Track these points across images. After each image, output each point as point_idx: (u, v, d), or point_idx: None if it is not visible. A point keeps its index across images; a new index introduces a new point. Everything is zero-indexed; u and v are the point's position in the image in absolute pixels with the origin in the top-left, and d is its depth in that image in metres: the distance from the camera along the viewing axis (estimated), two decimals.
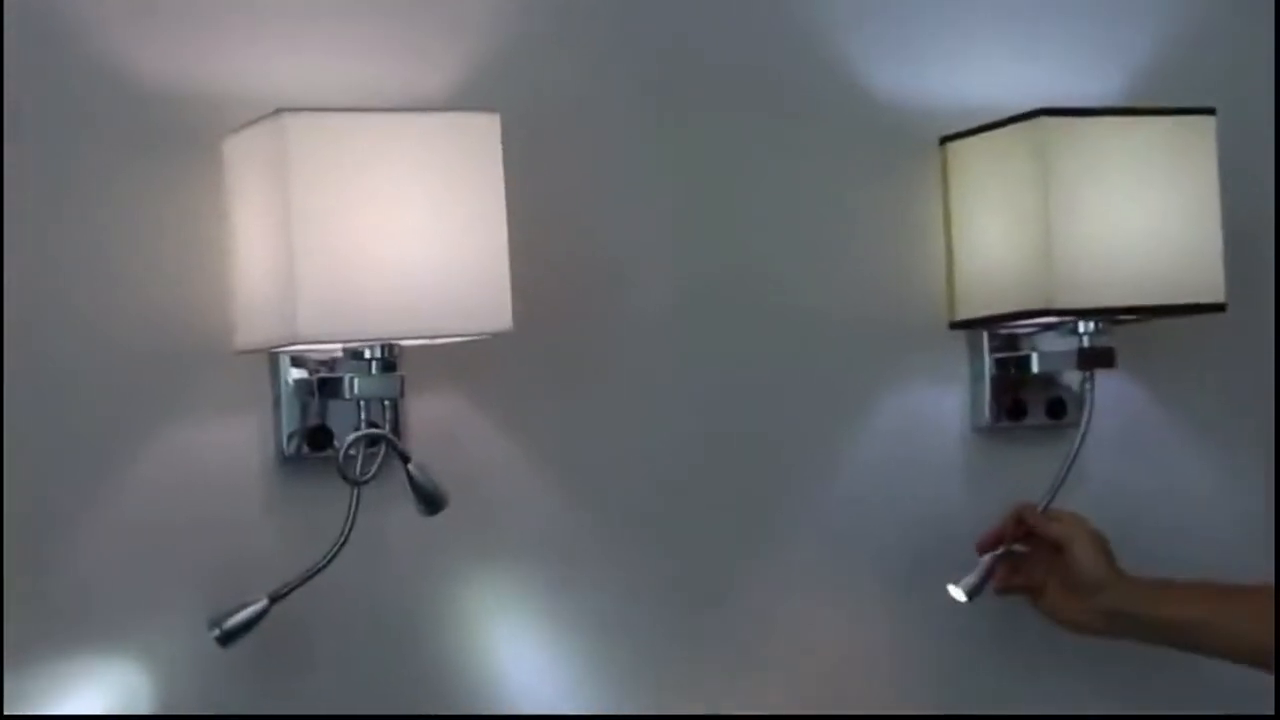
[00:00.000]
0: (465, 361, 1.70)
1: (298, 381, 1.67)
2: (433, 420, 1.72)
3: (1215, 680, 1.83)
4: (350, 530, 1.61)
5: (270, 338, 1.56)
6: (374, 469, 1.62)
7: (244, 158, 1.58)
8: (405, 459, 1.63)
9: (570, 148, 1.78)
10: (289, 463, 1.67)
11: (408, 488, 1.63)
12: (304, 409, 1.68)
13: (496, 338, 1.59)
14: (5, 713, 1.52)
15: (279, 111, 1.51)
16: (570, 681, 1.78)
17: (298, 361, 1.67)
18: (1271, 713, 1.83)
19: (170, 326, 1.63)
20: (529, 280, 1.62)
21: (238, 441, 1.66)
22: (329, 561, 1.61)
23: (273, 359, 1.67)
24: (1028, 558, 1.82)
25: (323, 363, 1.67)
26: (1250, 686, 1.78)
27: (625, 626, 1.80)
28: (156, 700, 1.62)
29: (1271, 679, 1.70)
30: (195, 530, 1.64)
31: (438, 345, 1.64)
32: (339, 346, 1.60)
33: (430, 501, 1.64)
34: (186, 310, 1.64)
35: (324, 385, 1.65)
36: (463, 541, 1.73)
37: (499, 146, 1.57)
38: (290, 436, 1.67)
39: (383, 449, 1.62)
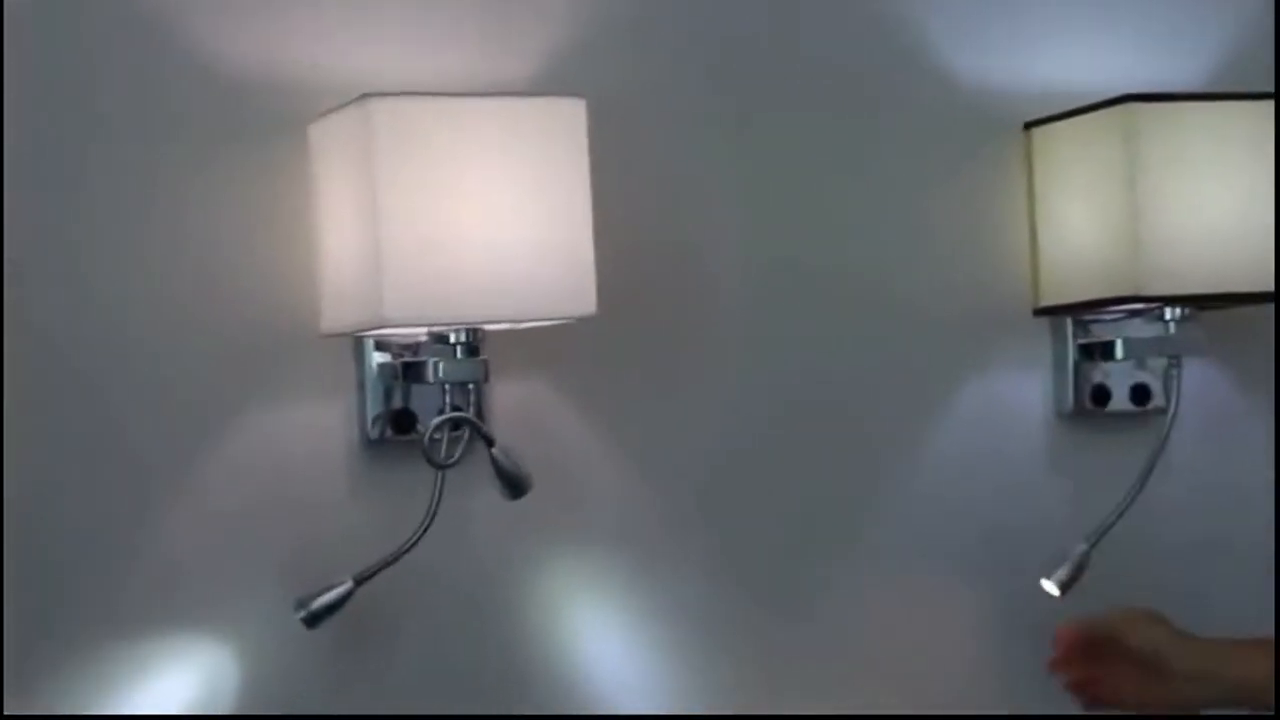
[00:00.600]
0: (547, 345, 1.70)
1: (382, 365, 1.68)
2: (515, 404, 1.72)
3: None
4: (435, 513, 1.62)
5: (356, 322, 1.57)
6: (458, 453, 1.62)
7: (330, 143, 1.59)
8: (490, 442, 1.63)
9: (652, 133, 1.78)
10: (373, 446, 1.68)
11: (491, 471, 1.64)
12: (388, 393, 1.69)
13: (579, 322, 1.60)
14: (5, 713, 1.53)
15: (365, 96, 1.51)
16: (648, 667, 1.79)
17: (381, 345, 1.68)
18: (1271, 713, 1.82)
19: (257, 311, 1.64)
20: (612, 265, 1.61)
21: (323, 425, 1.67)
22: (414, 544, 1.62)
23: (357, 343, 1.68)
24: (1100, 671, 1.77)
25: (406, 347, 1.68)
26: None
27: (704, 612, 1.80)
28: (243, 680, 1.63)
29: None
30: (281, 513, 1.65)
31: (520, 329, 1.64)
32: (424, 331, 1.61)
33: (514, 485, 1.65)
34: (273, 295, 1.65)
35: (408, 369, 1.66)
36: (544, 525, 1.73)
37: (585, 131, 1.57)
38: (374, 420, 1.68)
39: (467, 433, 1.63)
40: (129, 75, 1.61)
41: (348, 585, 1.61)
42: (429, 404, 1.67)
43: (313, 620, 1.60)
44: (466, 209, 1.53)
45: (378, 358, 1.68)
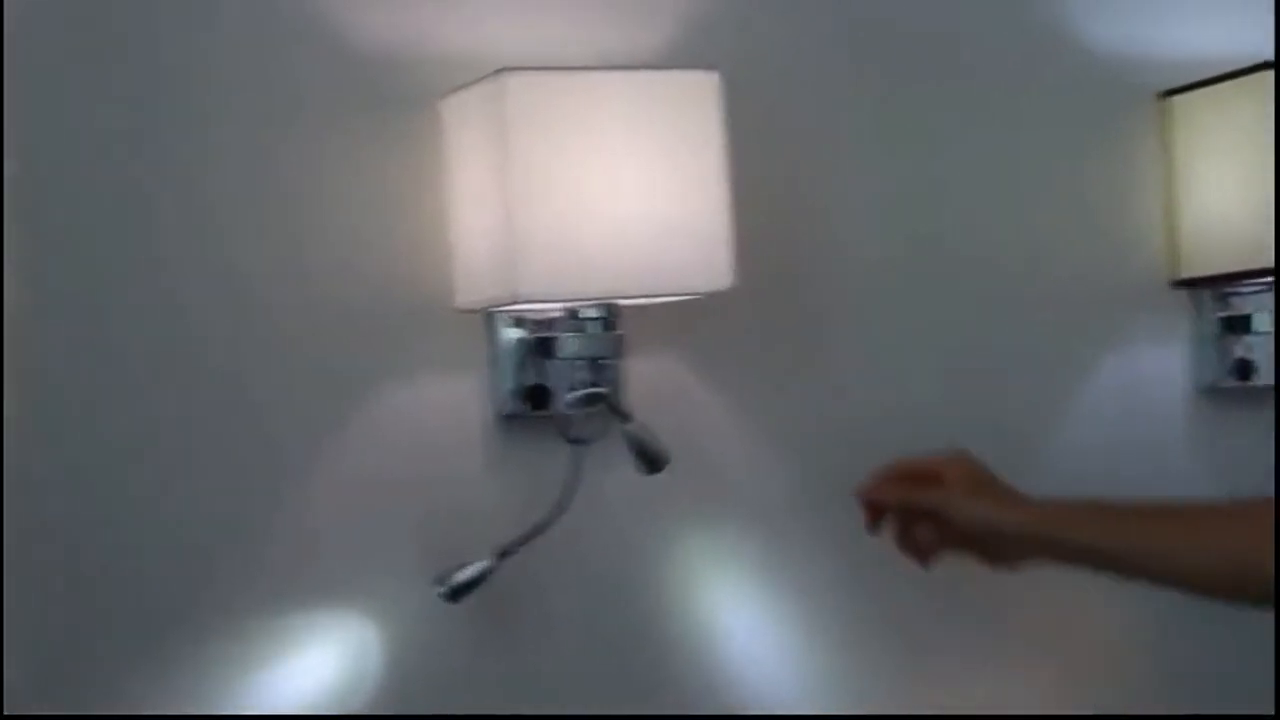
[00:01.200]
0: (681, 320, 1.69)
1: (516, 340, 1.68)
2: (648, 379, 1.72)
3: None
4: (573, 489, 1.61)
5: (491, 297, 1.58)
6: (594, 428, 1.62)
7: (464, 118, 1.59)
8: (625, 418, 1.63)
9: (788, 105, 1.77)
10: (506, 421, 1.69)
11: (627, 447, 1.64)
12: (520, 368, 1.69)
13: (714, 297, 1.59)
14: (5, 713, 1.53)
15: (500, 71, 1.51)
16: (783, 643, 1.78)
17: (516, 321, 1.68)
18: (1272, 713, 1.78)
19: (391, 286, 1.65)
20: (747, 239, 1.60)
21: (457, 400, 1.68)
22: (553, 519, 1.62)
23: (491, 318, 1.68)
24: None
25: (540, 322, 1.68)
26: None
27: (839, 588, 1.79)
28: (383, 654, 1.64)
29: None
30: (416, 488, 1.66)
31: (655, 304, 1.64)
32: (558, 306, 1.61)
33: (650, 461, 1.64)
34: (406, 270, 1.65)
35: (541, 344, 1.66)
36: (680, 501, 1.73)
37: (719, 105, 1.56)
38: (508, 395, 1.69)
39: (603, 408, 1.63)
40: (261, 50, 1.62)
41: (489, 560, 1.61)
42: (562, 379, 1.67)
43: (453, 595, 1.61)
44: (601, 184, 1.53)
45: (511, 333, 1.69)
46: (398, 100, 1.64)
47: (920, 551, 1.60)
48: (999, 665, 1.84)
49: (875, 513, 1.60)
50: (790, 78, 1.78)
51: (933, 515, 1.57)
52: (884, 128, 1.81)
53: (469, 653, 1.67)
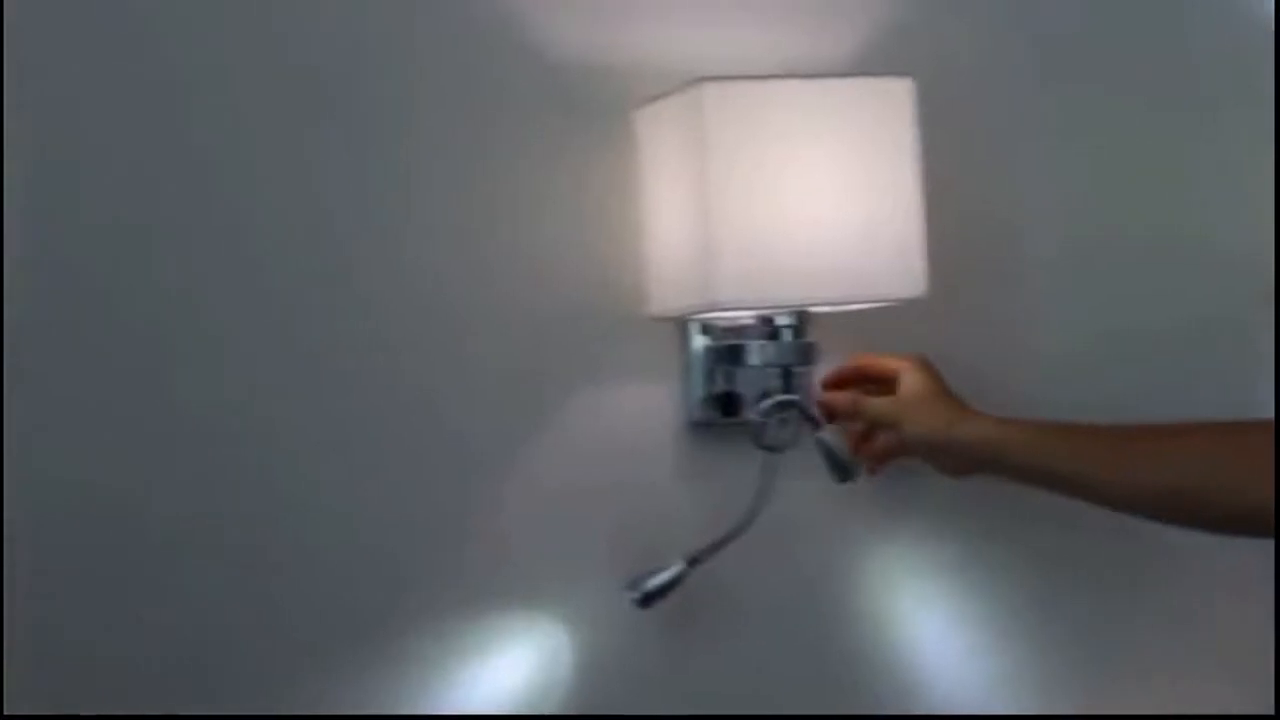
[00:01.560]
0: (871, 326, 1.68)
1: (706, 348, 1.69)
2: None
3: None
4: (765, 495, 1.62)
5: (686, 305, 1.58)
6: (786, 436, 1.62)
7: (660, 127, 1.60)
8: (817, 425, 1.63)
9: (979, 111, 1.76)
10: (697, 428, 1.69)
11: (819, 455, 1.64)
12: (711, 375, 1.70)
13: (906, 303, 1.58)
14: (5, 713, 1.53)
15: (698, 81, 1.52)
16: (971, 647, 1.78)
17: (704, 328, 1.69)
18: (1272, 713, 1.74)
19: (585, 293, 1.66)
20: (939, 246, 1.59)
21: (650, 407, 1.69)
22: (745, 526, 1.62)
23: (682, 326, 1.69)
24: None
25: (728, 329, 1.68)
26: None
27: (1029, 594, 1.78)
28: (576, 658, 1.66)
29: None
30: (609, 493, 1.67)
31: (845, 310, 1.63)
32: (749, 313, 1.61)
33: (842, 469, 1.65)
34: (600, 277, 1.66)
35: (732, 352, 1.66)
36: (870, 508, 1.73)
37: (913, 111, 1.56)
38: (699, 402, 1.69)
39: (794, 415, 1.63)
40: (456, 58, 1.63)
41: (680, 566, 1.62)
42: (751, 386, 1.68)
43: (645, 601, 1.62)
44: (796, 191, 1.53)
45: (701, 340, 1.69)
46: (592, 109, 1.65)
47: (875, 457, 1.67)
48: (1185, 667, 1.81)
49: (830, 414, 1.65)
50: (981, 82, 1.77)
51: (885, 424, 1.62)
52: (1076, 132, 1.79)
53: (659, 658, 1.68)
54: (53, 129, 1.54)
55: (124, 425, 1.55)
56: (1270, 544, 1.67)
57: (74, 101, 1.54)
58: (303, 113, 1.60)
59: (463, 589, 1.64)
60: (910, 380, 1.63)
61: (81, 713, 1.54)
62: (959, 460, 1.62)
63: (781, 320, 1.60)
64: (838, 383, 1.69)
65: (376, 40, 1.62)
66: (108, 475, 1.55)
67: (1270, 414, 1.59)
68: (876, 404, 1.63)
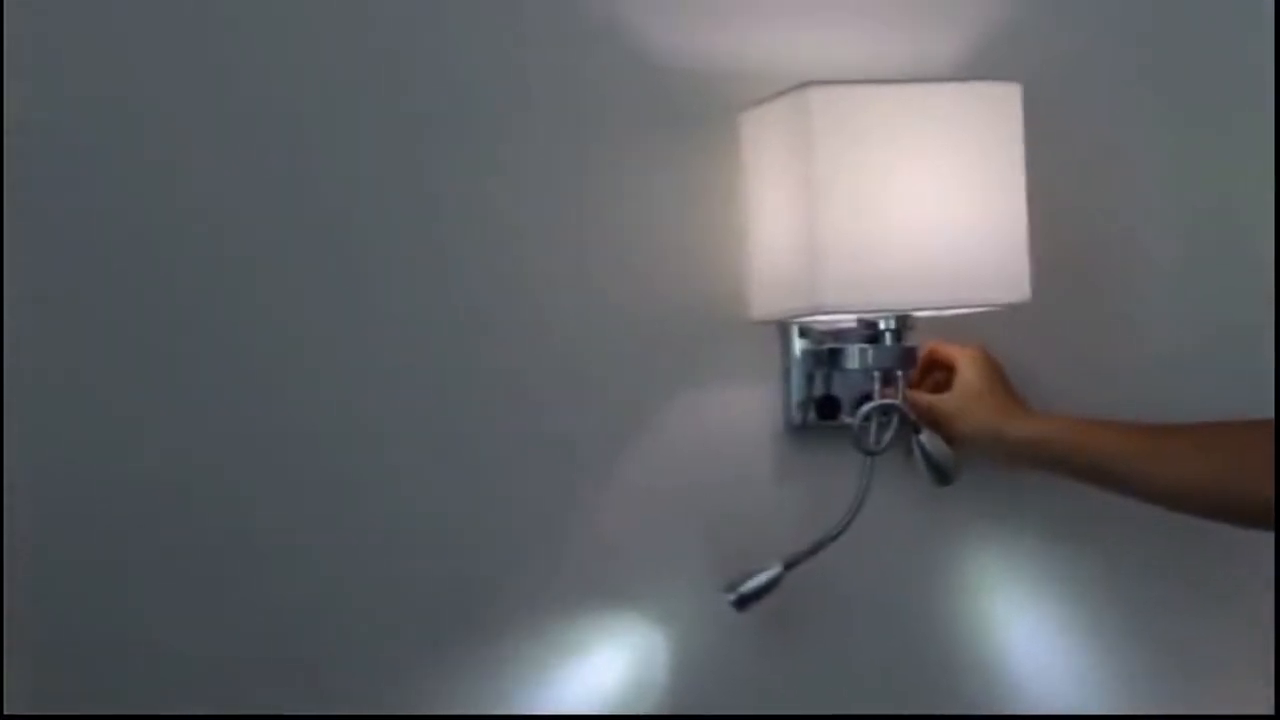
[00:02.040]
0: (972, 330, 1.68)
1: (806, 351, 1.69)
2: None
3: None
4: (864, 499, 1.62)
5: (790, 308, 1.59)
6: (886, 439, 1.63)
7: (764, 131, 1.61)
8: (917, 430, 1.63)
9: (1085, 115, 1.75)
10: (797, 431, 1.70)
11: (918, 459, 1.64)
12: (810, 379, 1.70)
13: (1010, 309, 1.58)
14: (5, 713, 1.54)
15: (804, 85, 1.52)
16: (1065, 651, 1.77)
17: (804, 332, 1.69)
18: (1271, 713, 1.72)
19: (687, 297, 1.67)
20: (1045, 251, 1.59)
21: (749, 410, 1.69)
22: (843, 529, 1.62)
23: (783, 329, 1.69)
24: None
25: (828, 333, 1.68)
26: None
27: (1127, 603, 1.77)
28: (671, 659, 1.67)
29: None
30: (708, 495, 1.68)
31: (946, 314, 1.63)
32: (854, 317, 1.62)
33: (941, 473, 1.64)
34: (702, 281, 1.67)
35: (832, 355, 1.66)
36: (968, 514, 1.73)
37: (1020, 116, 1.55)
38: (799, 405, 1.70)
39: (894, 419, 1.63)
40: (561, 62, 1.65)
41: (778, 569, 1.62)
42: (850, 390, 1.68)
43: (742, 603, 1.62)
44: (902, 196, 1.53)
45: (801, 344, 1.70)
46: (696, 112, 1.66)
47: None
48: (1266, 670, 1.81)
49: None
50: (1088, 86, 1.75)
51: (938, 421, 1.63)
52: (1182, 136, 1.78)
53: (755, 660, 1.69)
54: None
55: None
56: None
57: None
58: (410, 117, 1.62)
59: (562, 588, 1.65)
60: (966, 375, 1.64)
61: (81, 713, 1.56)
62: (1010, 458, 1.63)
63: (882, 324, 1.60)
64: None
65: (484, 45, 1.64)
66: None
67: None
68: (929, 401, 1.64)
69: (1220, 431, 1.51)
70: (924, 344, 1.66)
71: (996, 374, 1.65)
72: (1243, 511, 1.47)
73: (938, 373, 1.67)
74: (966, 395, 1.63)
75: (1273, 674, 1.76)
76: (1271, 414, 1.53)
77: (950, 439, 1.65)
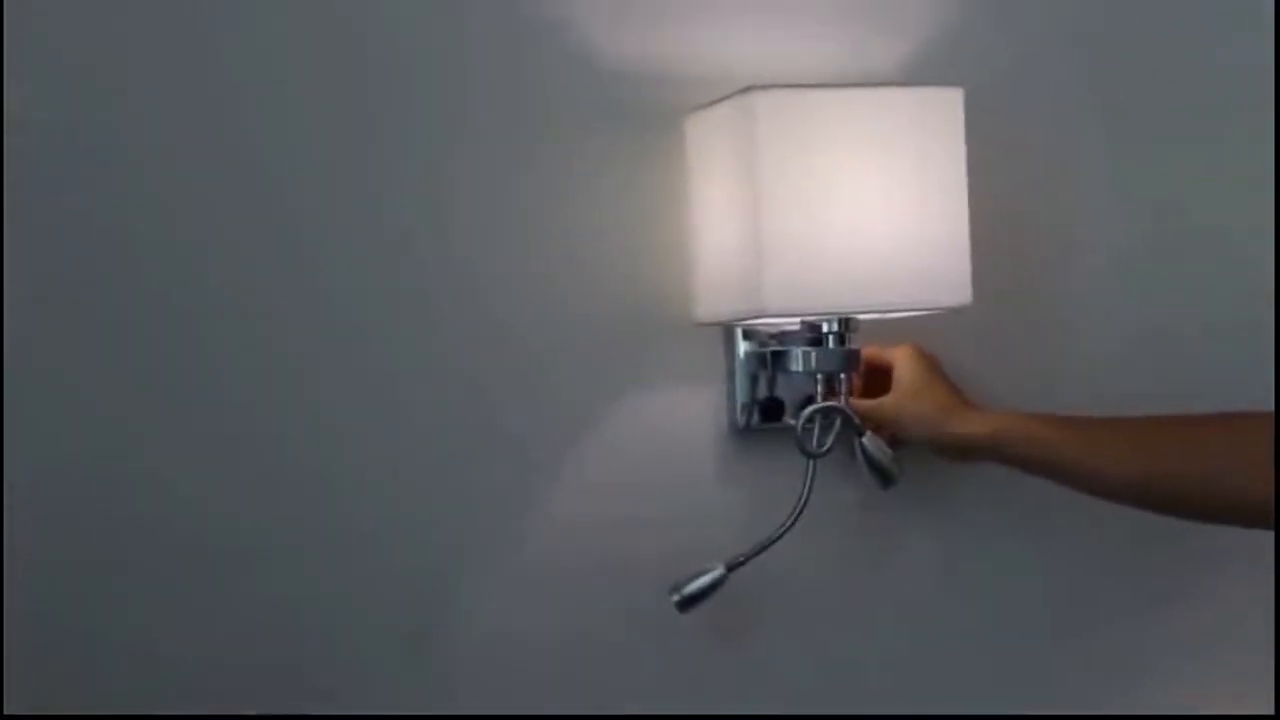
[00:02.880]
0: (915, 334, 1.69)
1: (750, 354, 1.70)
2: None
3: None
4: (806, 501, 1.63)
5: (734, 311, 1.59)
6: (829, 441, 1.64)
7: (710, 134, 1.61)
8: (860, 432, 1.64)
9: (1025, 121, 1.77)
10: (741, 433, 1.70)
11: (860, 461, 1.65)
12: (754, 381, 1.71)
13: (951, 312, 1.59)
14: (5, 713, 1.55)
15: (749, 89, 1.53)
16: (1015, 657, 1.79)
17: (748, 334, 1.70)
18: (1271, 713, 1.74)
19: (631, 299, 1.67)
20: (985, 255, 1.59)
21: (694, 411, 1.70)
22: (785, 531, 1.63)
23: (728, 332, 1.70)
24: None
25: (772, 336, 1.69)
26: None
27: (1070, 601, 1.79)
28: (615, 659, 1.68)
29: None
30: (653, 496, 1.68)
31: (888, 319, 1.64)
32: (797, 320, 1.62)
33: (884, 475, 1.65)
34: (647, 283, 1.67)
35: (776, 358, 1.67)
36: (911, 515, 1.74)
37: (962, 120, 1.56)
38: (743, 408, 1.70)
39: (837, 422, 1.64)
40: (507, 64, 1.65)
41: (720, 571, 1.63)
42: (795, 392, 1.69)
43: (685, 604, 1.63)
44: (845, 200, 1.54)
45: (744, 346, 1.70)
46: (642, 115, 1.66)
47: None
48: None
49: None
50: (1027, 92, 1.77)
51: (881, 424, 1.65)
52: (1121, 142, 1.79)
53: (698, 661, 1.70)
54: (90, 131, 1.57)
55: (144, 425, 1.57)
56: None
57: (110, 104, 1.57)
58: (357, 117, 1.62)
59: (508, 587, 1.65)
60: (902, 375, 1.65)
61: (81, 713, 1.56)
62: (956, 453, 1.65)
63: (826, 327, 1.61)
64: None
65: (428, 47, 1.63)
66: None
67: None
68: (868, 407, 1.65)
69: (1167, 425, 1.53)
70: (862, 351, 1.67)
71: (933, 370, 1.66)
72: (1193, 503, 1.49)
73: (879, 376, 1.69)
74: (904, 395, 1.65)
75: (1273, 675, 1.78)
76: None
77: (895, 440, 1.66)
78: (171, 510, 1.58)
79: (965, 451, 1.63)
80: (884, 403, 1.65)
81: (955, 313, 1.59)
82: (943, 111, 1.57)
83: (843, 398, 1.63)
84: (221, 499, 1.59)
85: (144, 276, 1.58)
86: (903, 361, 1.66)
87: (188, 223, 1.58)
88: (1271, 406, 1.51)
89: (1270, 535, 1.49)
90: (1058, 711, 1.79)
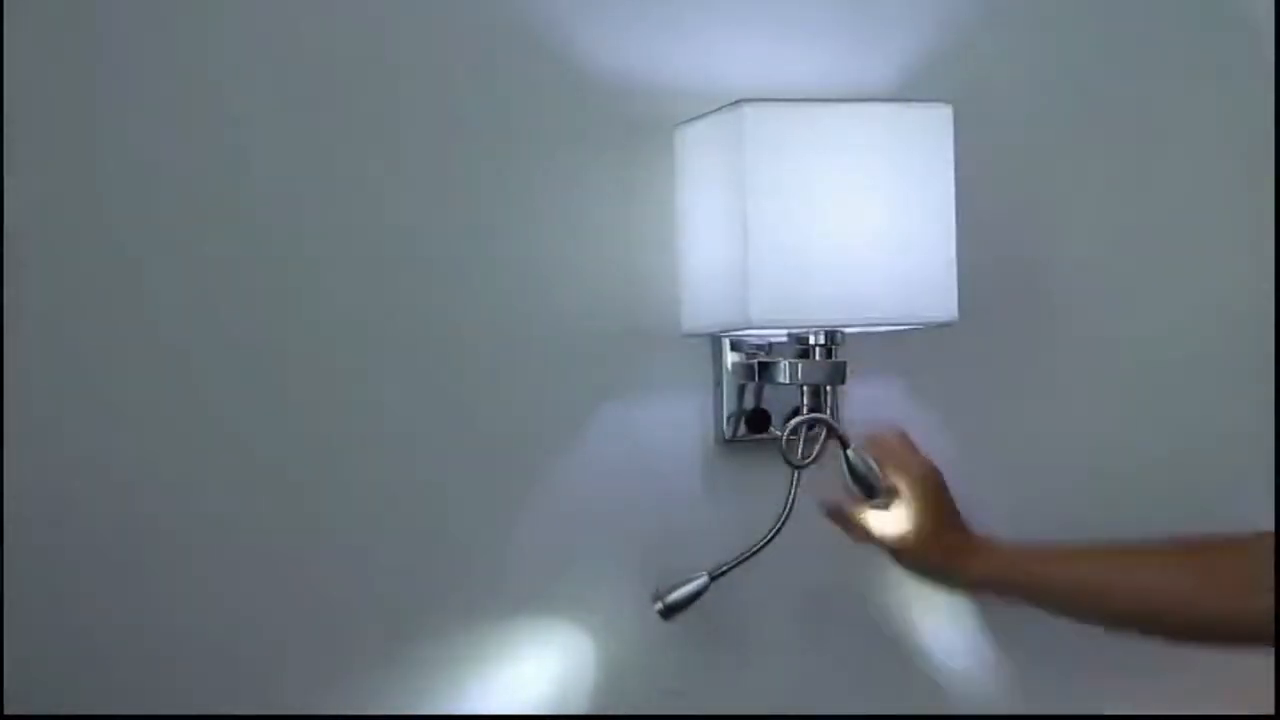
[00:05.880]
0: (900, 348, 1.71)
1: (737, 365, 1.71)
2: (866, 406, 1.74)
3: None
4: (790, 512, 1.64)
5: (720, 322, 1.60)
6: (814, 453, 1.65)
7: (700, 146, 1.63)
8: (845, 444, 1.65)
9: (1013, 138, 1.79)
10: (727, 444, 1.72)
11: (844, 472, 1.66)
12: (741, 392, 1.72)
13: (937, 327, 1.60)
14: (5, 713, 1.55)
15: (739, 102, 1.54)
16: (996, 665, 1.80)
17: (735, 346, 1.71)
18: (1271, 713, 1.76)
19: (619, 309, 1.68)
20: (972, 271, 1.61)
21: (680, 422, 1.71)
22: (768, 541, 1.64)
23: (715, 343, 1.71)
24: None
25: (759, 347, 1.71)
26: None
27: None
28: (599, 666, 1.68)
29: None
30: (639, 505, 1.69)
31: (875, 331, 1.66)
32: (784, 332, 1.64)
33: (868, 487, 1.66)
34: (635, 293, 1.69)
35: (763, 369, 1.68)
36: None
37: (951, 137, 1.58)
38: (729, 418, 1.72)
39: (823, 433, 1.65)
40: (496, 75, 1.66)
41: (703, 579, 1.64)
42: (781, 404, 1.70)
43: (669, 612, 1.64)
44: (833, 214, 1.55)
45: (732, 358, 1.72)
46: (632, 126, 1.68)
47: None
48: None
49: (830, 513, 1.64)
50: (1015, 109, 1.79)
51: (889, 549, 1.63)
52: (1109, 161, 1.82)
53: (681, 669, 1.71)
54: (90, 137, 1.57)
55: (139, 425, 1.57)
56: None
57: (108, 105, 1.57)
58: (345, 130, 1.62)
59: (492, 596, 1.66)
60: (915, 511, 1.61)
61: (81, 713, 1.56)
62: (963, 591, 1.69)
63: (814, 339, 1.62)
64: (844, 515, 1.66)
65: (416, 59, 1.64)
66: (111, 475, 1.57)
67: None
68: (870, 532, 1.63)
69: (1181, 551, 1.50)
70: (876, 438, 1.64)
71: (945, 505, 1.62)
72: (1214, 630, 1.47)
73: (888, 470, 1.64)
74: (914, 533, 1.61)
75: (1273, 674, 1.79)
76: (1172, 427, 1.55)
77: (895, 562, 1.65)
78: (171, 511, 1.58)
79: (970, 591, 1.67)
80: (889, 534, 1.62)
81: (941, 327, 1.60)
82: (931, 127, 1.58)
83: (828, 409, 1.64)
84: (221, 500, 1.59)
85: (142, 278, 1.58)
86: (916, 492, 1.61)
87: (186, 227, 1.58)
88: (1258, 421, 1.51)
89: (1270, 535, 1.49)
90: (1058, 712, 1.80)
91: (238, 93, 1.59)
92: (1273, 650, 1.42)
